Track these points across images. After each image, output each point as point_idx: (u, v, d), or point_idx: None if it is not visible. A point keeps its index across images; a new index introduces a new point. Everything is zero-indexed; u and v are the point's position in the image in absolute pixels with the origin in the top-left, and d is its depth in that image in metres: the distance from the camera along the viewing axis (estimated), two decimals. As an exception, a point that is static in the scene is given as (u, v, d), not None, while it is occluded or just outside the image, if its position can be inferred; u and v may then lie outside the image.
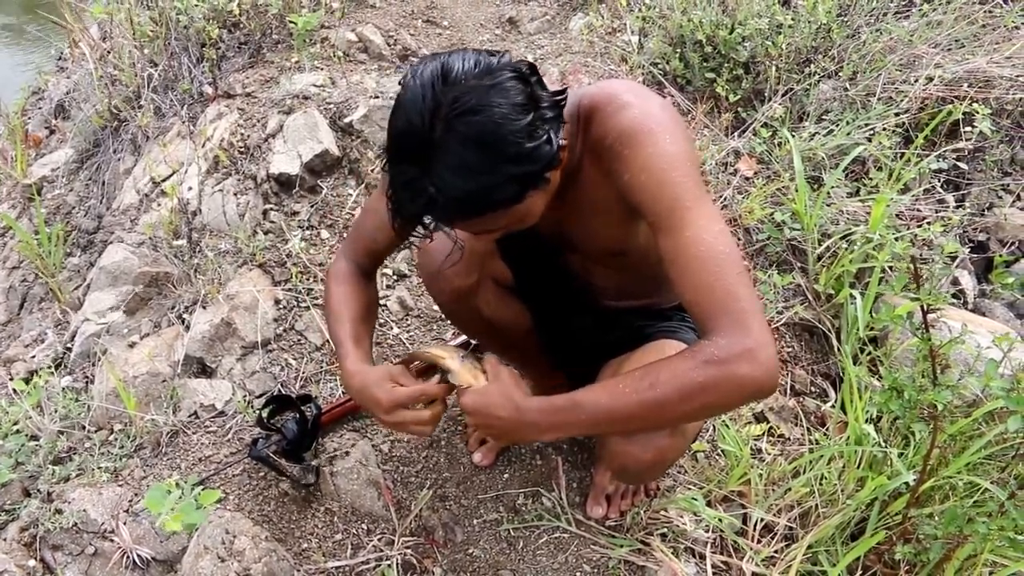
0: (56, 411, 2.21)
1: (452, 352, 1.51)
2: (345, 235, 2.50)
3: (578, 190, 1.46)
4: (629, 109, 1.34)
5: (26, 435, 2.15)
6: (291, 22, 3.06)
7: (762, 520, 1.93)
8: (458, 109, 1.17)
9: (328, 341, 2.30)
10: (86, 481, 2.01)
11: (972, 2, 3.30)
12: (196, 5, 3.13)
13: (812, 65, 3.09)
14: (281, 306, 2.37)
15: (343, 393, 2.19)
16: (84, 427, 2.19)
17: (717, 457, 2.11)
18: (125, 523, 1.90)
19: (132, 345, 2.37)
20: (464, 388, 1.45)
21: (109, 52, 3.32)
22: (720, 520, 1.91)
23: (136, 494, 1.98)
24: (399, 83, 1.25)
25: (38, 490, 2.02)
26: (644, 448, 1.53)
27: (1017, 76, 3.08)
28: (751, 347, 1.20)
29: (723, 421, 2.09)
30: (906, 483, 1.79)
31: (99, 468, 2.05)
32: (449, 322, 2.26)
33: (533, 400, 1.39)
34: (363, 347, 1.59)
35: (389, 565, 1.85)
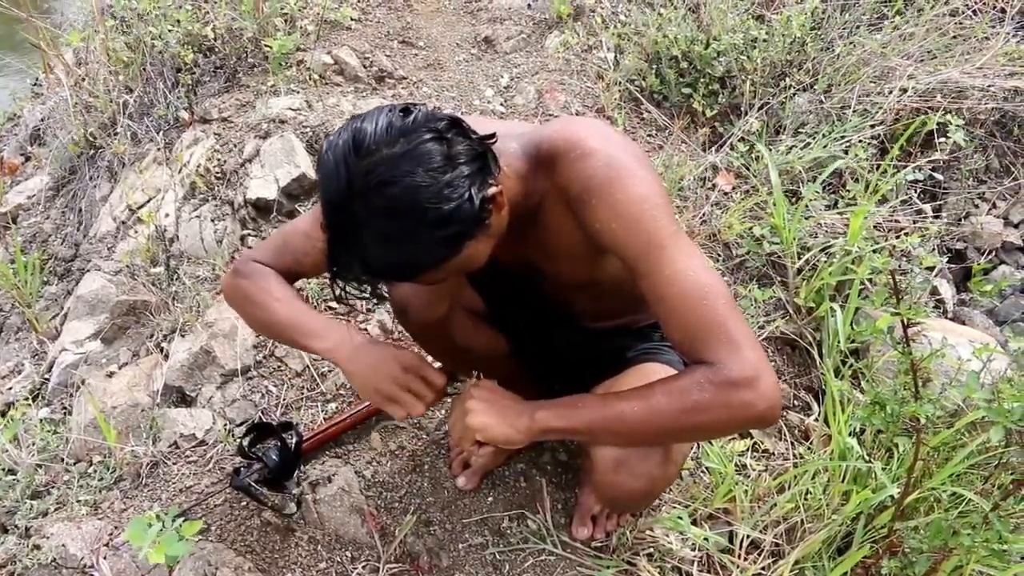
0: (34, 444, 2.18)
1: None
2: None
3: (541, 230, 1.45)
4: (593, 157, 1.32)
5: (3, 469, 2.12)
6: (266, 46, 3.05)
7: (748, 537, 1.93)
8: (371, 182, 1.16)
9: (309, 367, 2.28)
10: (65, 515, 1.98)
11: (943, 14, 3.33)
12: (171, 30, 3.11)
13: (787, 79, 3.11)
14: (260, 332, 2.35)
15: (324, 419, 2.17)
16: (62, 459, 2.16)
17: (702, 474, 2.10)
18: (105, 557, 1.87)
19: (111, 375, 2.35)
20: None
21: (84, 78, 3.31)
22: (706, 539, 1.90)
23: (116, 527, 1.96)
24: (318, 157, 1.24)
25: (15, 525, 1.98)
26: (635, 477, 1.52)
27: (989, 86, 3.11)
28: (751, 375, 1.20)
29: (707, 438, 2.09)
30: (891, 496, 1.79)
31: (78, 501, 2.02)
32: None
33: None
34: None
35: (374, 593, 1.83)
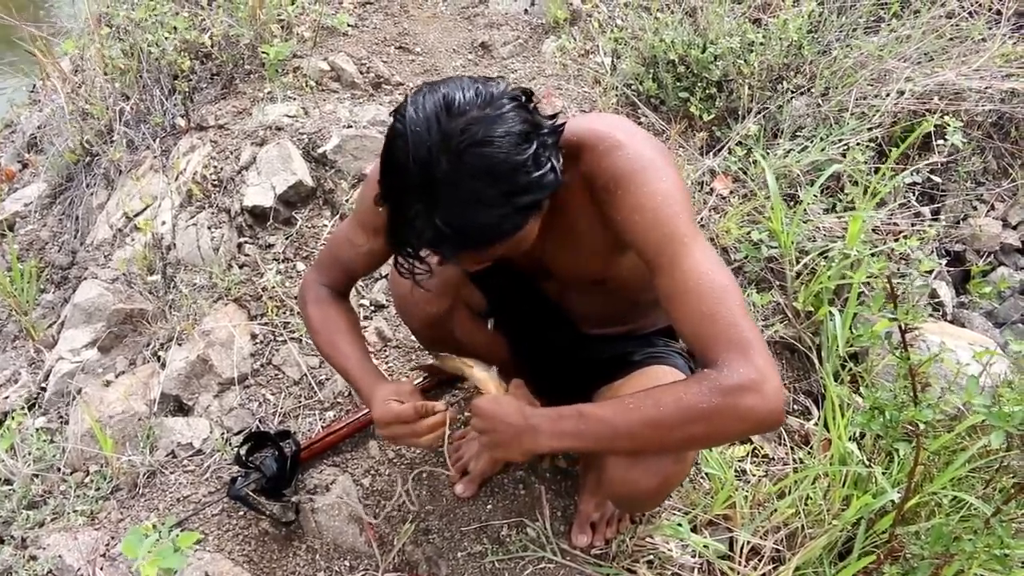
0: (30, 453, 2.17)
1: (483, 364, 1.61)
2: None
3: (560, 221, 1.46)
4: (621, 150, 1.34)
5: (-1, 480, 2.12)
6: (263, 53, 3.05)
7: (748, 543, 1.92)
8: (467, 141, 1.15)
9: (306, 375, 2.28)
10: (61, 525, 1.98)
11: (940, 16, 3.32)
12: (167, 37, 3.11)
13: (784, 82, 3.10)
14: (258, 341, 2.34)
15: (322, 428, 2.17)
16: (59, 469, 2.15)
17: (701, 480, 2.09)
18: (102, 568, 1.87)
19: (107, 384, 2.34)
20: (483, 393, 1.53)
21: (81, 86, 3.30)
22: (706, 545, 1.89)
23: (113, 537, 1.95)
24: (392, 115, 1.23)
25: (11, 536, 1.98)
26: (648, 476, 1.51)
27: (986, 88, 3.10)
28: (756, 379, 1.20)
29: (706, 443, 2.08)
30: (891, 501, 1.78)
31: (75, 511, 2.02)
32: (426, 351, 2.24)
33: (540, 409, 1.42)
34: (368, 363, 1.64)
35: (373, 602, 1.83)
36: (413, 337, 2.25)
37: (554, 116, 1.30)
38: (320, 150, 2.72)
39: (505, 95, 1.21)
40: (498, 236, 1.23)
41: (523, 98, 1.24)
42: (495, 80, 1.25)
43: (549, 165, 1.21)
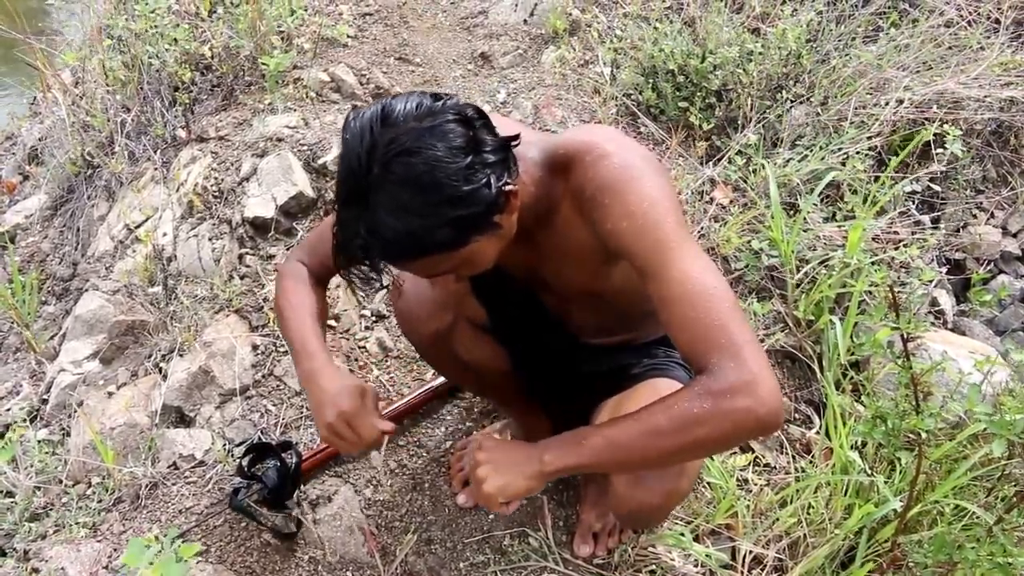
0: (32, 466, 2.17)
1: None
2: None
3: (553, 235, 1.46)
4: (609, 159, 1.34)
5: (1, 491, 2.11)
6: (263, 64, 3.05)
7: (751, 553, 1.92)
8: (393, 150, 1.17)
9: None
10: (63, 537, 1.98)
11: (938, 25, 3.34)
12: (168, 49, 3.12)
13: (784, 91, 3.11)
14: (259, 352, 2.34)
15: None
16: (61, 481, 2.15)
17: (703, 490, 2.09)
18: (104, 580, 1.86)
19: (109, 395, 2.34)
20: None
21: (82, 97, 3.31)
22: (708, 555, 1.89)
23: (115, 549, 1.95)
24: (343, 124, 1.26)
25: (14, 549, 1.98)
26: (652, 493, 1.50)
27: (984, 96, 3.11)
28: (749, 380, 1.18)
29: (708, 453, 2.08)
30: (893, 510, 1.78)
31: (76, 523, 2.02)
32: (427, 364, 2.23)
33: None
34: (326, 348, 1.57)
35: (375, 614, 1.82)
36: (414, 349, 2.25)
37: (512, 137, 1.30)
38: (321, 161, 2.72)
39: (448, 110, 1.22)
40: (426, 247, 1.24)
41: (469, 114, 1.24)
42: (448, 96, 1.26)
43: (484, 181, 1.22)
